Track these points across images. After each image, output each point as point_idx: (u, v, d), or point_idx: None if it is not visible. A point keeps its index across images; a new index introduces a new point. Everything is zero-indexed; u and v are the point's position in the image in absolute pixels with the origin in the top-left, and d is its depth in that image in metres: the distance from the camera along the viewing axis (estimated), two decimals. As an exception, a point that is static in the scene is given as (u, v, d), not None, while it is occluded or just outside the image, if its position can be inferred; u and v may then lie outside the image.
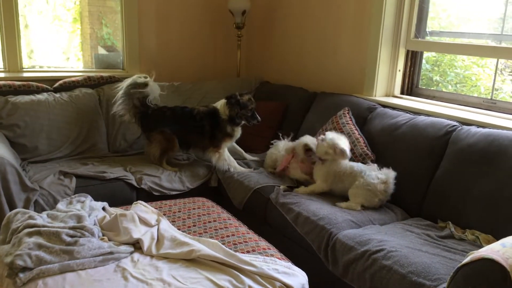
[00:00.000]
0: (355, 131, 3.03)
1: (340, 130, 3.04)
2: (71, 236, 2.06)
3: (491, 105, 2.98)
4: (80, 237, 2.07)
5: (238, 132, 3.38)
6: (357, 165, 2.75)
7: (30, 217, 2.21)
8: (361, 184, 2.64)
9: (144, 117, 3.40)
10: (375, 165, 2.77)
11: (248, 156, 3.54)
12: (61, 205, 2.46)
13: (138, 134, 3.68)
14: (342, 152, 2.74)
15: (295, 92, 3.87)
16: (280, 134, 3.36)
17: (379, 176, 2.66)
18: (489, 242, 2.12)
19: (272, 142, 3.36)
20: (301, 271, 2.05)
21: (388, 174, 2.68)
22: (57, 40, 4.20)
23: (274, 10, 4.32)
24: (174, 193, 3.16)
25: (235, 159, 3.37)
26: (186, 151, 3.58)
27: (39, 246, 1.97)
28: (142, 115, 3.40)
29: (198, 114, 3.35)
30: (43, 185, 2.83)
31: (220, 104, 3.33)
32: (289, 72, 4.20)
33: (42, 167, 3.13)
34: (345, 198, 2.72)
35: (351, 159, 2.87)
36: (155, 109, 3.43)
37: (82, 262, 1.94)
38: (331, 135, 2.81)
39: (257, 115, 3.31)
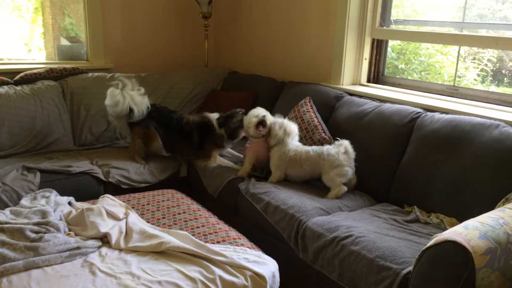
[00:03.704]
0: (315, 119, 3.07)
1: (301, 118, 3.09)
2: (36, 232, 2.01)
3: (453, 91, 3.05)
4: (45, 233, 2.02)
5: (229, 144, 3.31)
6: (311, 149, 2.80)
7: (-8, 214, 2.15)
8: (329, 166, 2.68)
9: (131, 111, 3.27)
10: (327, 146, 2.82)
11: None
12: (25, 201, 2.40)
13: (105, 127, 3.60)
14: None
15: (263, 82, 3.87)
16: None
17: (337, 150, 2.72)
18: (453, 225, 2.17)
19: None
20: (272, 259, 2.07)
21: (342, 143, 2.75)
22: (18, 31, 4.07)
23: (241, -1, 4.30)
24: (143, 185, 3.12)
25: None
26: (172, 154, 3.41)
27: (2, 243, 1.92)
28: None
29: (188, 124, 3.27)
30: (6, 180, 2.74)
31: (215, 119, 3.24)
32: (257, 62, 4.20)
33: (4, 162, 3.03)
34: (308, 184, 2.80)
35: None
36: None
37: (47, 258, 1.90)
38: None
39: (239, 134, 3.23)
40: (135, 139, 3.30)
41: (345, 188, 2.68)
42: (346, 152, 2.72)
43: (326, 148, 2.77)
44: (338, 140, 2.80)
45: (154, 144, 3.30)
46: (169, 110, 3.41)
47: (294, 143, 2.88)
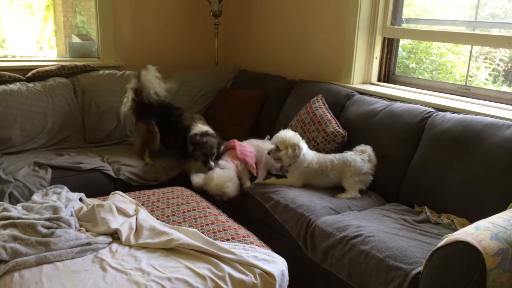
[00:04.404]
0: (327, 114, 3.06)
1: (313, 114, 3.08)
2: (47, 228, 2.03)
3: (465, 91, 3.03)
4: (56, 228, 2.04)
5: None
6: (334, 157, 2.77)
7: (5, 209, 2.18)
8: (354, 172, 2.69)
9: (138, 107, 3.36)
10: (349, 152, 2.80)
11: None
12: (36, 197, 2.42)
13: (115, 124, 3.63)
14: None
15: (273, 80, 3.87)
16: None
17: (363, 158, 2.73)
18: (463, 226, 2.16)
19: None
20: (281, 257, 2.06)
21: (366, 151, 2.76)
22: (29, 29, 4.10)
23: (251, -3, 4.30)
24: (153, 183, 3.13)
25: None
26: (165, 148, 3.44)
27: (14, 238, 1.94)
28: (137, 105, 3.35)
29: (180, 124, 3.27)
30: (18, 176, 2.77)
31: (191, 134, 3.15)
32: (267, 60, 4.19)
33: (17, 158, 3.06)
34: (327, 189, 2.76)
35: (326, 142, 2.94)
36: (150, 102, 3.37)
37: (59, 254, 1.91)
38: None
39: (211, 163, 3.01)
40: (137, 136, 3.34)
41: (359, 195, 2.68)
42: (370, 160, 2.74)
43: (350, 154, 2.76)
44: (361, 146, 2.80)
45: (156, 142, 3.32)
46: (172, 106, 3.43)
47: (310, 153, 2.81)
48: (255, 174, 2.99)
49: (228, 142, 3.19)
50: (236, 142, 3.12)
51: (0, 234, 1.94)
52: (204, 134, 3.12)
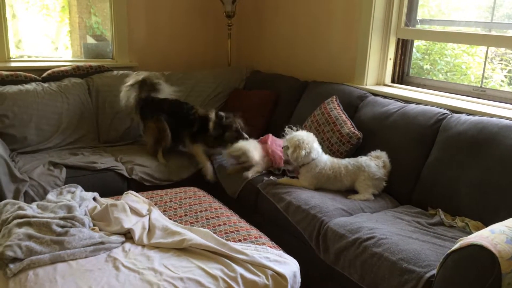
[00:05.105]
0: (342, 115, 3.04)
1: (328, 115, 3.07)
2: (62, 227, 2.05)
3: (480, 93, 3.00)
4: (70, 227, 2.06)
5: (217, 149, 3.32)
6: (349, 163, 2.74)
7: (20, 208, 2.20)
8: (367, 177, 2.67)
9: (144, 106, 3.41)
10: (363, 157, 2.78)
11: None
12: (51, 196, 2.45)
13: (129, 124, 3.65)
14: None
15: (286, 81, 3.86)
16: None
17: (378, 164, 2.70)
18: (478, 229, 2.14)
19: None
20: (293, 259, 2.06)
21: (381, 157, 2.74)
22: (45, 29, 4.15)
23: (264, -2, 4.30)
24: (165, 183, 3.15)
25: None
26: (179, 144, 3.48)
27: (29, 237, 1.96)
28: (142, 104, 3.41)
29: (194, 115, 3.34)
30: (33, 175, 2.81)
31: (213, 118, 3.28)
32: (280, 61, 4.19)
33: (32, 157, 3.10)
34: (339, 191, 2.74)
35: (340, 142, 2.92)
36: (157, 100, 3.42)
37: (73, 253, 1.93)
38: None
39: (244, 134, 3.21)
40: (148, 136, 3.37)
41: (373, 198, 2.66)
42: (384, 166, 2.72)
43: (364, 159, 2.73)
44: (377, 151, 2.77)
45: (166, 138, 3.34)
46: (180, 102, 3.47)
47: (323, 158, 2.77)
48: (279, 171, 3.01)
49: (263, 136, 3.22)
50: (270, 136, 3.13)
51: (15, 233, 1.97)
52: (227, 116, 3.23)
